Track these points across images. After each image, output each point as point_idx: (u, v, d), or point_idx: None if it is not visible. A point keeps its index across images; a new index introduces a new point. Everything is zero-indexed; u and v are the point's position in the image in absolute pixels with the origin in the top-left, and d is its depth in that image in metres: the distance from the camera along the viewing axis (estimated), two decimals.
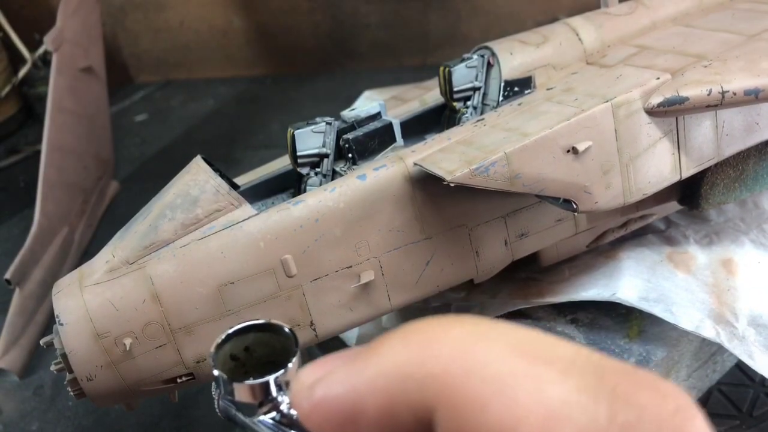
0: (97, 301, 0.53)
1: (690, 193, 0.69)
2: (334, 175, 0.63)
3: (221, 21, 1.77)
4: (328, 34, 1.75)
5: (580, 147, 0.55)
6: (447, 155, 0.56)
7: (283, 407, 0.31)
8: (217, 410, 0.38)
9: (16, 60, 1.53)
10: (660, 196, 0.66)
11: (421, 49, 1.72)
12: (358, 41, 1.75)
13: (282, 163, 0.69)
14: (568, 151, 0.55)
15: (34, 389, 0.93)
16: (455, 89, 0.69)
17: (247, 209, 0.57)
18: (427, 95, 0.77)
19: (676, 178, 0.61)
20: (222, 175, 0.59)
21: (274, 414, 0.32)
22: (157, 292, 0.54)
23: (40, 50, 1.34)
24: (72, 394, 0.56)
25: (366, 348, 0.23)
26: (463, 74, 0.69)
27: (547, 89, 0.64)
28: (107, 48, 1.42)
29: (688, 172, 0.61)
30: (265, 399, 0.31)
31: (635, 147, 0.58)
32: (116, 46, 1.80)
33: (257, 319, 0.34)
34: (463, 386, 0.20)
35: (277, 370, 0.31)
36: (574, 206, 0.56)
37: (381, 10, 1.70)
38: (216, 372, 0.31)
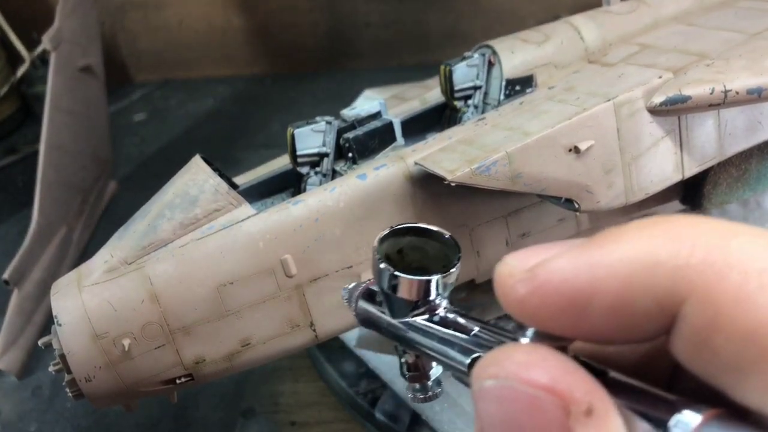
0: (96, 302, 0.53)
1: (692, 193, 0.68)
2: (334, 174, 0.63)
3: (220, 20, 1.76)
4: (327, 32, 1.75)
5: (582, 146, 0.55)
6: (448, 154, 0.56)
7: (440, 310, 0.31)
8: (353, 314, 0.38)
9: (14, 59, 1.52)
10: (662, 196, 0.66)
11: (421, 48, 1.72)
12: (358, 40, 1.75)
13: (282, 163, 0.69)
14: (570, 151, 0.55)
15: (32, 390, 0.92)
16: (456, 88, 0.68)
17: (247, 209, 0.56)
18: (428, 94, 0.77)
19: (678, 178, 0.61)
20: (221, 175, 0.59)
21: (426, 316, 0.32)
22: (156, 293, 0.53)
23: (39, 49, 1.33)
24: (70, 395, 0.56)
25: (591, 239, 0.22)
26: (464, 73, 0.68)
27: (549, 88, 0.64)
28: (106, 47, 1.41)
29: (690, 171, 0.61)
30: (423, 298, 0.31)
31: (637, 146, 0.58)
32: (115, 45, 1.80)
33: (416, 222, 0.34)
34: (723, 279, 0.19)
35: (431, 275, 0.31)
36: (576, 206, 0.56)
37: (381, 9, 1.70)
38: (382, 264, 0.31)
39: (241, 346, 0.56)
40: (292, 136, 0.62)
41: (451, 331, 0.30)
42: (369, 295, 0.37)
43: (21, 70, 1.44)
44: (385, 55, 1.74)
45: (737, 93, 0.56)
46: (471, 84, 0.68)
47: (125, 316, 0.53)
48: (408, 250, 0.34)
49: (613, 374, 0.23)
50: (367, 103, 0.65)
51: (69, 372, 0.54)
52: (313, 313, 0.57)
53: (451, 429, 0.73)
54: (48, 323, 1.00)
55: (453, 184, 0.52)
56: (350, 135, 0.61)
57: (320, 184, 0.62)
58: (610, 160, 0.57)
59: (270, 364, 0.78)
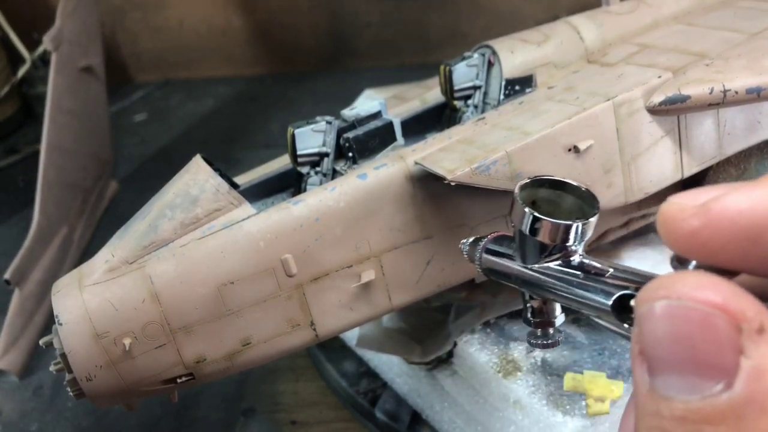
0: (97, 301, 0.53)
1: None
2: (335, 174, 0.63)
3: (221, 20, 1.76)
4: (328, 32, 1.75)
5: (582, 146, 0.55)
6: (448, 154, 0.56)
7: (575, 257, 0.33)
8: (476, 265, 0.40)
9: (15, 60, 1.52)
10: (662, 195, 0.66)
11: (421, 48, 1.72)
12: (359, 40, 1.75)
13: (282, 163, 0.69)
14: (570, 150, 0.55)
15: (33, 390, 0.92)
16: (456, 88, 0.68)
17: (247, 209, 0.56)
18: (428, 94, 0.77)
19: (677, 177, 0.61)
20: (222, 175, 0.59)
21: (559, 261, 0.33)
22: (157, 292, 0.53)
23: (39, 50, 1.34)
24: (71, 394, 0.56)
25: (764, 177, 0.24)
26: (463, 73, 0.68)
27: (549, 88, 0.64)
28: (106, 47, 1.42)
29: (690, 171, 0.61)
30: (561, 243, 0.33)
31: (637, 146, 0.58)
32: (115, 46, 1.80)
33: (551, 175, 0.36)
34: None
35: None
36: None
37: (381, 9, 1.70)
38: (527, 209, 0.34)
39: (242, 345, 0.56)
40: (293, 136, 0.62)
41: (590, 274, 0.31)
42: (496, 244, 0.39)
43: (22, 71, 1.45)
44: (385, 55, 1.74)
45: (736, 93, 0.56)
46: (471, 84, 0.69)
47: (126, 315, 0.53)
48: (541, 203, 0.36)
49: None
50: (367, 103, 0.65)
51: (70, 371, 0.54)
52: (314, 312, 0.57)
53: (451, 428, 0.73)
54: (49, 323, 1.00)
55: (453, 184, 0.52)
56: (350, 135, 0.61)
57: (320, 183, 0.62)
58: (609, 160, 0.57)
59: (270, 364, 0.78)
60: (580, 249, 0.33)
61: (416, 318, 0.73)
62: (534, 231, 0.33)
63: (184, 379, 0.56)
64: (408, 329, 0.73)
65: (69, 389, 0.55)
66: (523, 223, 0.34)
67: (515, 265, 0.36)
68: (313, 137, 0.62)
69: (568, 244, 0.33)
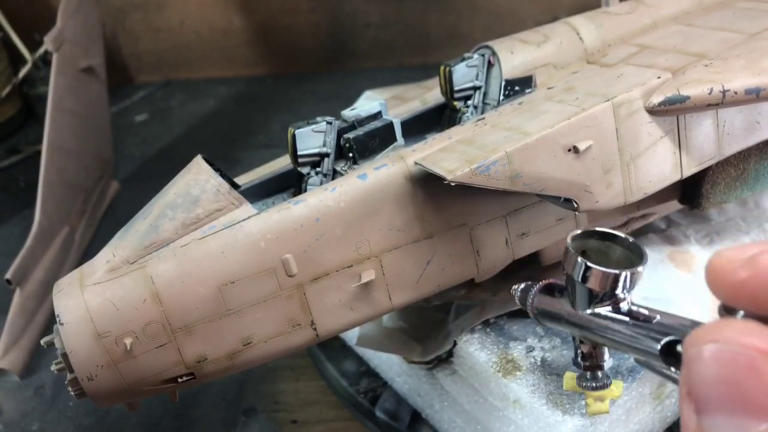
0: (98, 301, 0.53)
1: (691, 193, 0.69)
2: (335, 174, 0.63)
3: (221, 21, 1.76)
4: (328, 33, 1.75)
5: (581, 146, 0.55)
6: (448, 154, 0.56)
7: (623, 304, 0.36)
8: (528, 309, 0.43)
9: (17, 60, 1.53)
10: (661, 195, 0.66)
11: (421, 49, 1.72)
12: (359, 41, 1.75)
13: (282, 163, 0.69)
14: (569, 150, 0.55)
15: (34, 389, 0.93)
16: (456, 88, 0.69)
17: (248, 209, 0.57)
18: (428, 95, 0.77)
19: (677, 177, 0.61)
20: (223, 175, 0.59)
21: (608, 308, 0.36)
22: (158, 292, 0.53)
23: (41, 50, 1.34)
24: (73, 393, 0.56)
25: None
26: (463, 73, 0.68)
27: (548, 88, 0.64)
28: (107, 48, 1.42)
29: (689, 171, 0.62)
30: (611, 290, 0.36)
31: (636, 146, 0.58)
32: (116, 46, 1.80)
33: (602, 227, 0.38)
34: None
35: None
36: (575, 205, 0.56)
37: (381, 10, 1.70)
38: (579, 258, 0.36)
39: (243, 345, 0.56)
40: (293, 137, 0.62)
41: (638, 320, 0.34)
42: (547, 291, 0.42)
43: (23, 71, 1.45)
44: (385, 56, 1.75)
45: (736, 93, 0.56)
46: (470, 84, 0.69)
47: (127, 315, 0.53)
48: (591, 252, 0.38)
49: None
50: (367, 103, 0.65)
51: (71, 371, 0.54)
52: (314, 312, 0.57)
53: (451, 427, 0.73)
54: (50, 322, 1.00)
55: (453, 184, 0.52)
56: (351, 135, 0.62)
57: (321, 184, 0.62)
58: (608, 160, 0.57)
59: (271, 363, 0.79)
60: (629, 296, 0.35)
61: (416, 317, 0.74)
62: (585, 278, 0.36)
63: (184, 378, 0.56)
64: (408, 328, 0.74)
65: (70, 389, 0.56)
66: (575, 271, 0.36)
67: (567, 310, 0.39)
68: (313, 138, 0.63)
69: (617, 291, 0.35)
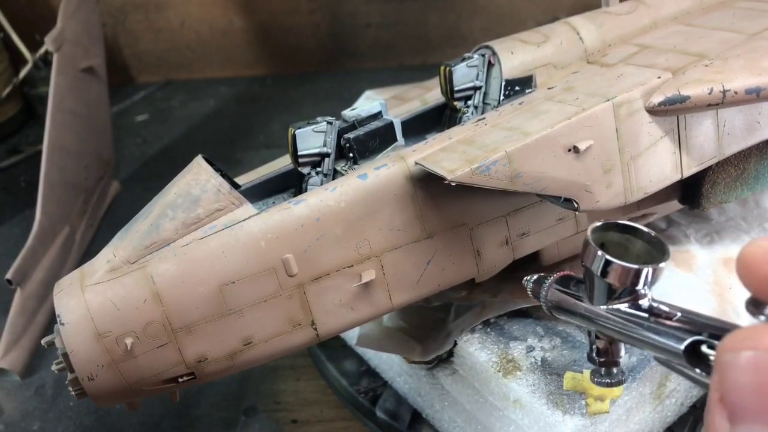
0: (99, 301, 0.53)
1: (691, 192, 0.69)
2: (335, 174, 0.63)
3: (222, 21, 1.77)
4: (328, 33, 1.76)
5: (581, 146, 0.55)
6: (448, 154, 0.56)
7: (643, 300, 0.34)
8: (541, 302, 0.41)
9: (17, 60, 1.53)
10: (661, 195, 0.66)
11: (421, 49, 1.72)
12: (359, 41, 1.75)
13: (283, 163, 0.69)
14: (570, 150, 0.55)
15: (35, 389, 0.93)
16: (456, 89, 0.69)
17: (248, 209, 0.57)
18: (428, 95, 0.77)
19: (677, 177, 0.61)
20: (223, 175, 0.59)
21: (627, 304, 0.34)
22: (158, 292, 0.54)
23: (41, 51, 1.34)
24: (73, 393, 0.56)
25: None
26: (463, 74, 0.69)
27: (548, 88, 0.64)
28: (108, 48, 1.42)
29: (689, 171, 0.62)
30: (631, 286, 0.34)
31: (636, 146, 0.58)
32: (117, 47, 1.80)
33: (622, 219, 0.37)
34: None
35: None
36: (575, 205, 0.56)
37: (381, 10, 1.70)
38: (599, 252, 0.34)
39: (243, 344, 0.56)
40: (294, 137, 0.62)
41: (659, 318, 0.32)
42: (563, 283, 0.40)
43: (24, 72, 1.45)
44: (385, 56, 1.75)
45: (736, 93, 0.56)
46: (471, 84, 0.69)
47: (128, 315, 0.53)
48: (610, 245, 0.37)
49: None
50: (367, 103, 0.66)
51: (72, 371, 0.54)
52: (315, 312, 0.57)
53: (451, 427, 0.73)
54: (51, 322, 1.00)
55: (453, 184, 0.52)
56: (351, 135, 0.62)
57: (321, 183, 0.62)
58: (609, 160, 0.57)
59: (271, 363, 0.79)
60: (650, 293, 0.34)
61: (416, 317, 0.74)
62: (605, 273, 0.34)
63: (185, 378, 0.56)
64: (408, 328, 0.74)
65: (71, 388, 0.56)
66: (594, 265, 0.35)
67: (584, 305, 0.37)
68: (313, 138, 0.63)
69: (637, 287, 0.34)
